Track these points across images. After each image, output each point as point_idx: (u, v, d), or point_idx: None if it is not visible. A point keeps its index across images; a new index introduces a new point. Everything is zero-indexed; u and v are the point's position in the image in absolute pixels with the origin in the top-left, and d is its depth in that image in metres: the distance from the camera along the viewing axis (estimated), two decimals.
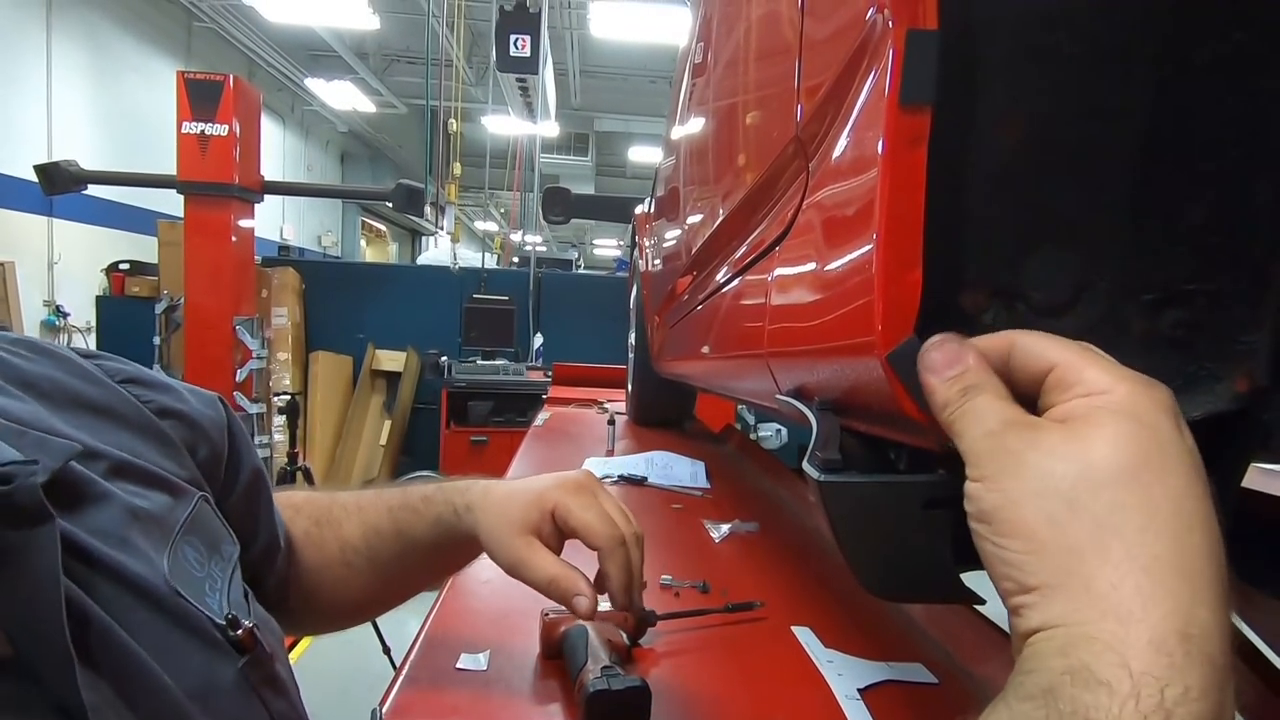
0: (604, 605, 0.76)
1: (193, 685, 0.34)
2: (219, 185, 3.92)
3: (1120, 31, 0.34)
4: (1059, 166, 0.37)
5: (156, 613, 0.34)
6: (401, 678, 0.66)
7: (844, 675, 0.72)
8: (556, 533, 0.57)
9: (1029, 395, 0.28)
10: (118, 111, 6.25)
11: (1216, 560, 0.23)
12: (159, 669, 0.32)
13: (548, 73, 5.48)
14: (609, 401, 2.60)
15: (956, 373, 0.28)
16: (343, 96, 8.72)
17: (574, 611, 0.56)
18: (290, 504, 0.62)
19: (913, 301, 0.32)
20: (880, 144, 0.33)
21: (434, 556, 0.63)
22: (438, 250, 7.60)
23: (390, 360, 5.04)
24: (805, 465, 0.36)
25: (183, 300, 4.15)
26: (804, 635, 0.81)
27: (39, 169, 4.04)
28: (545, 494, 0.57)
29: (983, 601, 0.34)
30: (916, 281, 0.32)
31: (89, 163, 4.24)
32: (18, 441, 0.31)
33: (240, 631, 0.37)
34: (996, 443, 0.26)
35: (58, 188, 4.03)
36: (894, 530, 0.34)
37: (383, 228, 13.16)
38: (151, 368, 0.42)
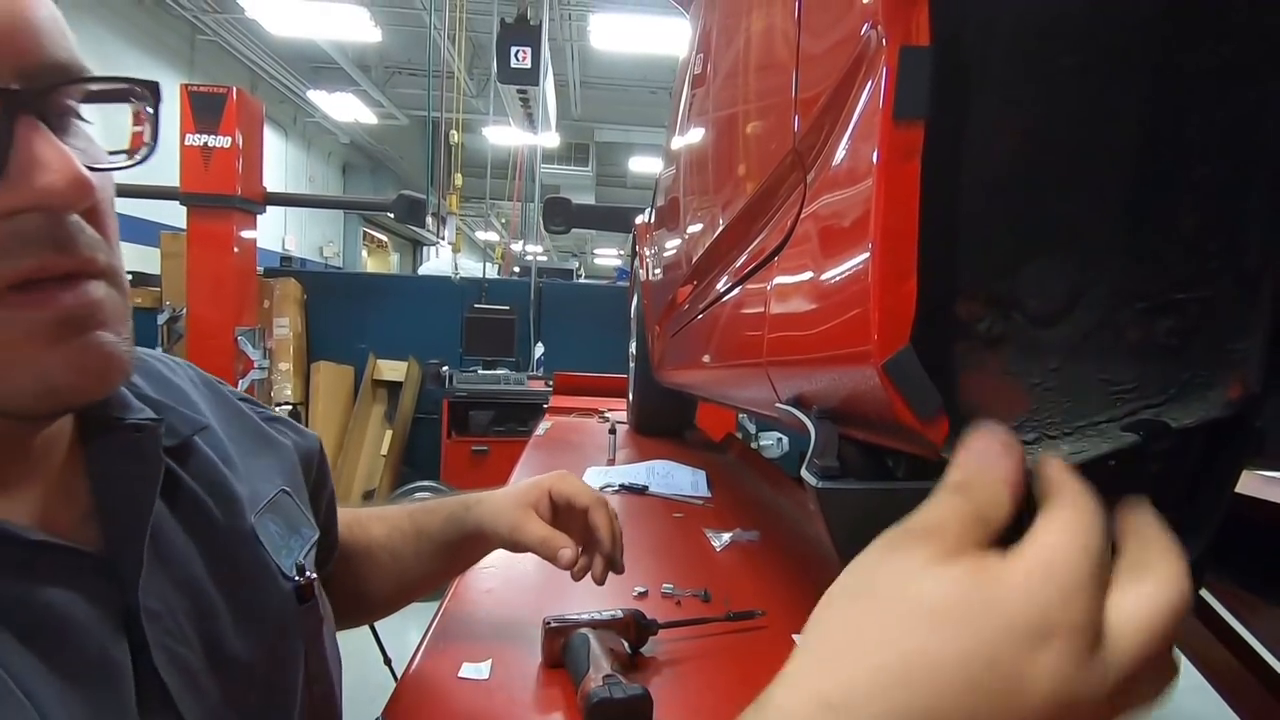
0: (602, 614, 0.76)
1: (244, 612, 0.41)
2: (221, 197, 3.95)
3: (1112, 41, 0.35)
4: (1053, 175, 0.37)
5: (230, 550, 0.43)
6: (403, 687, 0.66)
7: None
8: (550, 509, 0.69)
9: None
10: (120, 124, 6.29)
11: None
12: (218, 594, 0.40)
13: (548, 84, 5.52)
14: (610, 411, 2.60)
15: (959, 462, 0.27)
16: (345, 108, 8.78)
17: (559, 564, 0.67)
18: None
19: (908, 311, 0.32)
20: (875, 157, 0.33)
21: (447, 550, 0.72)
22: (439, 260, 7.63)
23: (391, 370, 5.04)
24: (804, 472, 0.37)
25: (185, 311, 4.16)
26: None
27: None
28: (539, 481, 0.71)
29: None
30: (911, 291, 0.33)
31: None
32: (164, 411, 0.43)
33: (303, 579, 0.46)
34: (900, 531, 0.27)
35: None
36: None
37: (384, 238, 13.22)
38: None
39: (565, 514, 0.70)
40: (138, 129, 0.38)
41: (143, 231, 5.44)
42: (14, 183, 0.30)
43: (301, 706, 0.45)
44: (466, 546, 0.72)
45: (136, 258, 5.16)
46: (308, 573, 0.46)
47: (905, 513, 0.35)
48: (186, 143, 3.88)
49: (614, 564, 0.70)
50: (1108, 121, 0.37)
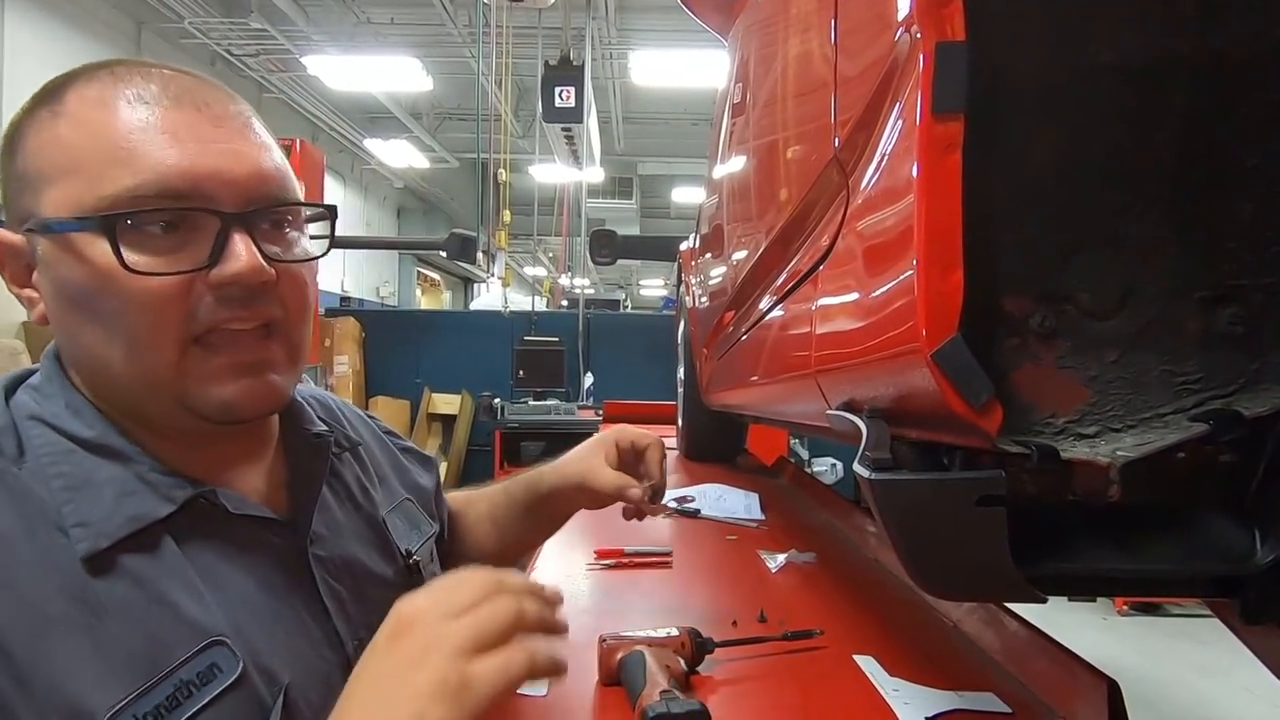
0: (657, 632, 0.76)
1: (373, 572, 0.58)
2: None
3: (1152, 37, 0.35)
4: (1097, 171, 0.37)
5: (368, 527, 0.61)
6: None
7: (910, 704, 0.70)
8: (617, 457, 0.79)
9: None
10: None
11: None
12: (359, 551, 0.58)
13: (592, 121, 5.66)
14: (660, 437, 2.60)
15: None
16: (398, 154, 9.17)
17: (627, 499, 0.76)
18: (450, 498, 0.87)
19: (955, 301, 0.33)
20: (916, 153, 0.34)
21: (531, 513, 0.83)
22: (489, 295, 7.82)
23: (446, 404, 5.16)
24: (856, 466, 0.37)
25: None
26: (867, 664, 0.79)
27: None
28: (603, 435, 0.82)
29: (1044, 600, 0.33)
30: (958, 282, 0.33)
31: None
32: (333, 429, 0.62)
33: (413, 560, 0.62)
34: None
35: None
36: (947, 528, 0.34)
37: (437, 277, 13.64)
38: None
39: (627, 457, 0.81)
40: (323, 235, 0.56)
41: None
42: (221, 268, 0.47)
43: None
44: (549, 506, 0.83)
45: None
46: (413, 556, 0.62)
47: (960, 503, 0.35)
48: None
49: (657, 492, 0.80)
50: (1150, 117, 0.37)
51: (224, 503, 0.49)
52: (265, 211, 0.49)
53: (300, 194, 0.53)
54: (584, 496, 0.79)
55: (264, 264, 0.47)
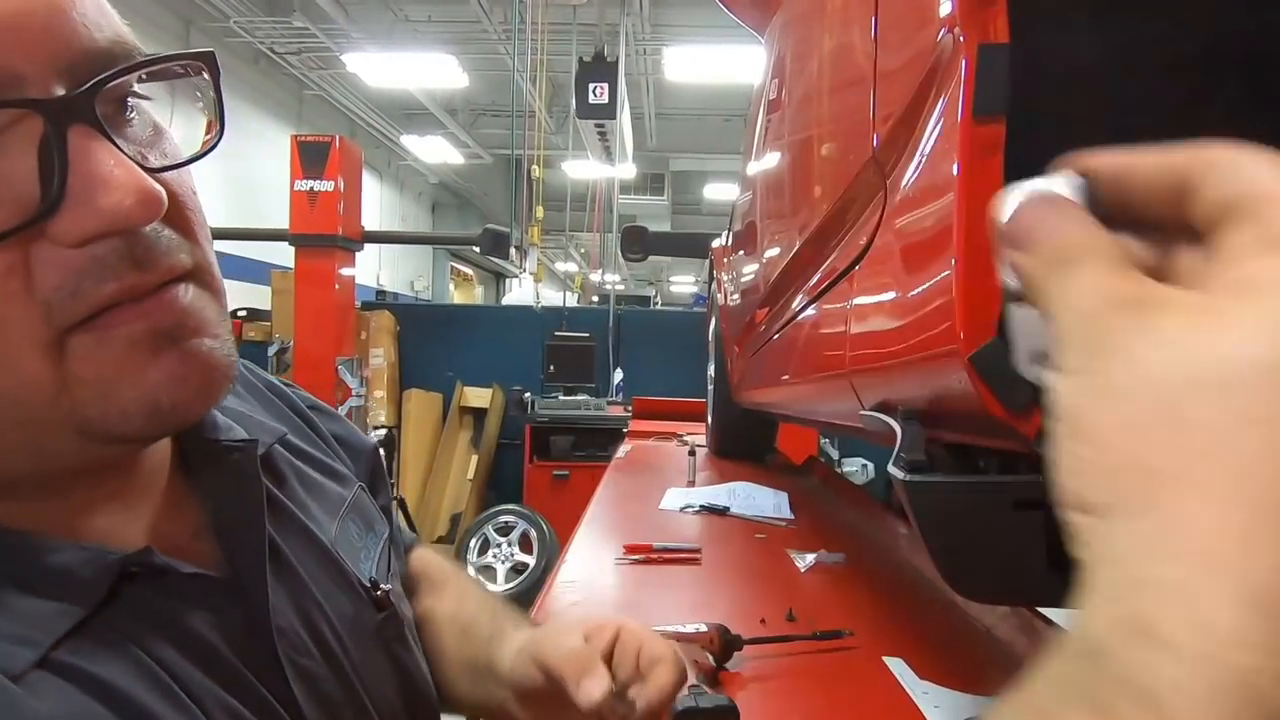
0: (686, 627, 0.76)
1: (342, 623, 0.42)
2: (325, 237, 4.25)
3: (1202, 34, 0.35)
4: None
5: (323, 562, 0.43)
6: None
7: (940, 707, 0.69)
8: (609, 651, 0.48)
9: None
10: (240, 176, 6.90)
11: None
12: (323, 605, 0.41)
13: (625, 117, 5.67)
14: (689, 434, 2.61)
15: (1044, 239, 0.20)
16: (434, 150, 9.31)
17: (578, 696, 0.44)
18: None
19: (994, 303, 0.32)
20: (957, 155, 0.34)
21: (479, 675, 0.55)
22: (521, 290, 7.90)
23: (477, 397, 5.22)
24: (890, 468, 0.37)
25: (292, 343, 4.47)
26: (896, 666, 0.78)
27: None
28: (607, 618, 0.51)
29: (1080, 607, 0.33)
30: (998, 284, 0.33)
31: (217, 222, 4.67)
32: (244, 424, 0.43)
33: (379, 592, 0.46)
34: (1094, 324, 0.19)
35: None
36: (982, 530, 0.34)
37: (470, 271, 13.81)
38: None
39: (625, 662, 0.47)
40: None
41: (256, 271, 5.91)
42: (78, 207, 0.28)
43: (402, 704, 0.46)
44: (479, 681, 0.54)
45: (250, 296, 5.61)
46: (382, 585, 0.46)
47: (995, 506, 0.35)
48: (295, 188, 4.21)
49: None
50: (1202, 113, 0.36)
51: (156, 563, 0.33)
52: (109, 84, 0.29)
53: (132, 37, 0.32)
54: (513, 679, 0.50)
55: (150, 181, 0.29)
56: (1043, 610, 0.83)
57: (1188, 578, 0.16)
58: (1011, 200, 0.21)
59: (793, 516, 1.49)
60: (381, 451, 0.59)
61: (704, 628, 0.77)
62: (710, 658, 0.74)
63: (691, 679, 0.65)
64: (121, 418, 0.30)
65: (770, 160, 1.20)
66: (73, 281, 0.28)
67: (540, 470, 4.41)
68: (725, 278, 2.01)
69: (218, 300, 0.34)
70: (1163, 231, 0.21)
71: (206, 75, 0.34)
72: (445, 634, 0.57)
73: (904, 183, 0.44)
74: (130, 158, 0.30)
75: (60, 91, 0.28)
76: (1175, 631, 0.15)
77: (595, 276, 9.77)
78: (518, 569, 4.07)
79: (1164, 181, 0.20)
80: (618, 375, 5.01)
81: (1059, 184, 0.21)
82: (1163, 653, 0.15)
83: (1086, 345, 0.19)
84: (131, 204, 0.28)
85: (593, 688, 0.43)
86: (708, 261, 2.42)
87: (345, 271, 4.43)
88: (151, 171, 0.30)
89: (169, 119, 0.35)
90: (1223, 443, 0.16)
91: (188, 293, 0.32)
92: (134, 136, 0.32)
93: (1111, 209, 0.21)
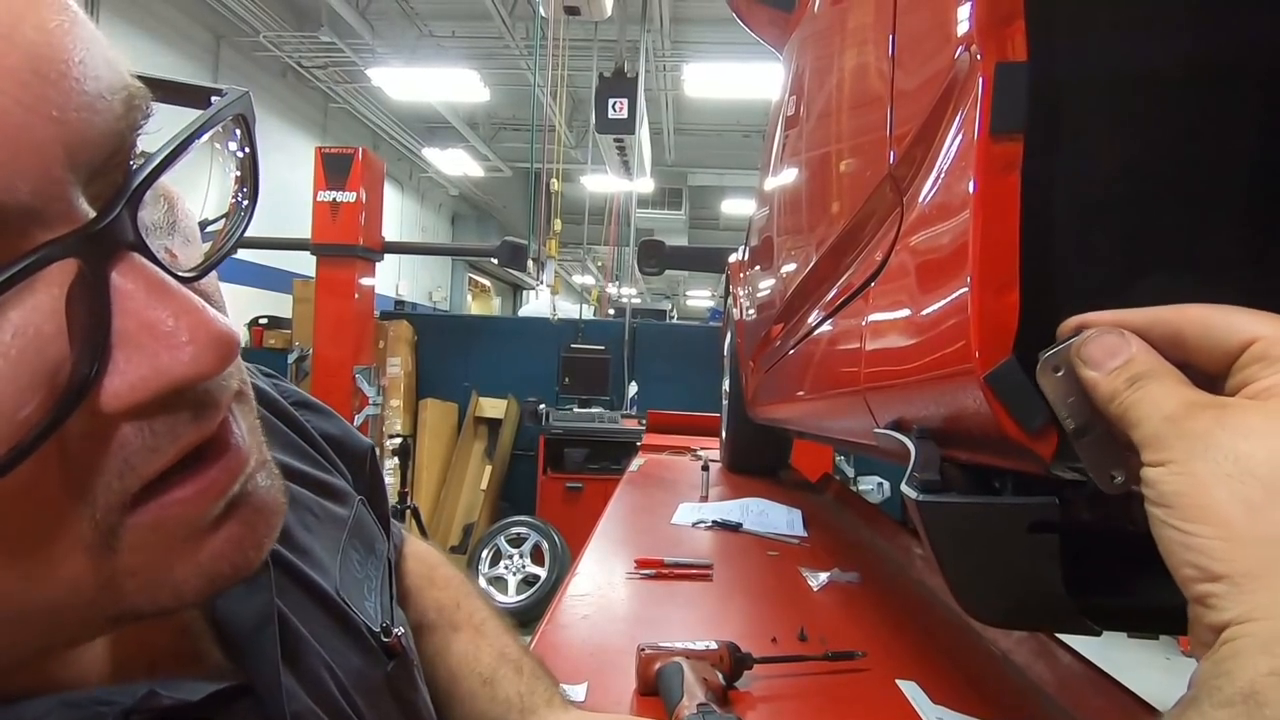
0: (696, 644, 0.75)
1: (351, 679, 0.38)
2: (346, 247, 4.31)
3: (1221, 50, 0.34)
4: (1163, 189, 0.36)
5: (329, 617, 0.39)
6: None
7: None
8: None
9: (1211, 375, 0.26)
10: (265, 185, 7.03)
11: None
12: (339, 682, 0.37)
13: (643, 132, 5.71)
14: (702, 449, 2.59)
15: (1119, 363, 0.26)
16: (455, 163, 9.44)
17: None
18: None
19: (1010, 323, 0.32)
20: (973, 172, 0.34)
21: None
22: (538, 302, 7.94)
23: (492, 408, 5.25)
24: (904, 487, 0.36)
25: (311, 351, 4.53)
26: (909, 689, 0.77)
27: None
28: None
29: (1098, 633, 0.32)
30: (1014, 303, 0.32)
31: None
32: None
33: (390, 639, 0.42)
34: (1180, 426, 0.24)
35: None
36: (997, 553, 0.33)
37: (487, 283, 13.93)
38: None
39: None
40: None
41: (277, 279, 6.00)
42: (130, 368, 0.21)
43: None
44: None
45: (272, 304, 5.68)
46: (394, 630, 0.42)
47: (1011, 528, 0.34)
48: (318, 198, 4.28)
49: None
50: (1220, 131, 0.35)
51: (164, 705, 0.27)
52: (150, 186, 0.22)
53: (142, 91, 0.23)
54: None
55: (221, 322, 0.22)
56: (1059, 635, 0.82)
57: None
58: (1087, 335, 0.28)
59: (806, 534, 1.47)
60: (372, 455, 0.53)
61: (714, 645, 0.76)
62: (720, 676, 0.73)
63: (700, 697, 0.65)
64: (174, 598, 0.25)
65: (787, 176, 1.20)
66: (122, 462, 0.22)
67: (553, 482, 4.41)
68: (741, 292, 2.01)
69: (250, 404, 0.28)
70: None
71: (242, 140, 0.26)
72: (462, 679, 0.54)
73: (920, 200, 0.43)
74: (167, 269, 0.22)
75: (87, 209, 0.20)
76: None
77: (611, 289, 9.81)
78: (529, 581, 4.06)
79: (1163, 335, 0.27)
80: (632, 389, 5.01)
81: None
82: None
83: (1179, 441, 0.24)
84: (208, 360, 0.21)
85: None
86: (724, 276, 2.42)
87: (365, 281, 4.48)
88: (186, 281, 0.22)
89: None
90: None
91: (240, 426, 0.26)
92: (153, 225, 0.24)
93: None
